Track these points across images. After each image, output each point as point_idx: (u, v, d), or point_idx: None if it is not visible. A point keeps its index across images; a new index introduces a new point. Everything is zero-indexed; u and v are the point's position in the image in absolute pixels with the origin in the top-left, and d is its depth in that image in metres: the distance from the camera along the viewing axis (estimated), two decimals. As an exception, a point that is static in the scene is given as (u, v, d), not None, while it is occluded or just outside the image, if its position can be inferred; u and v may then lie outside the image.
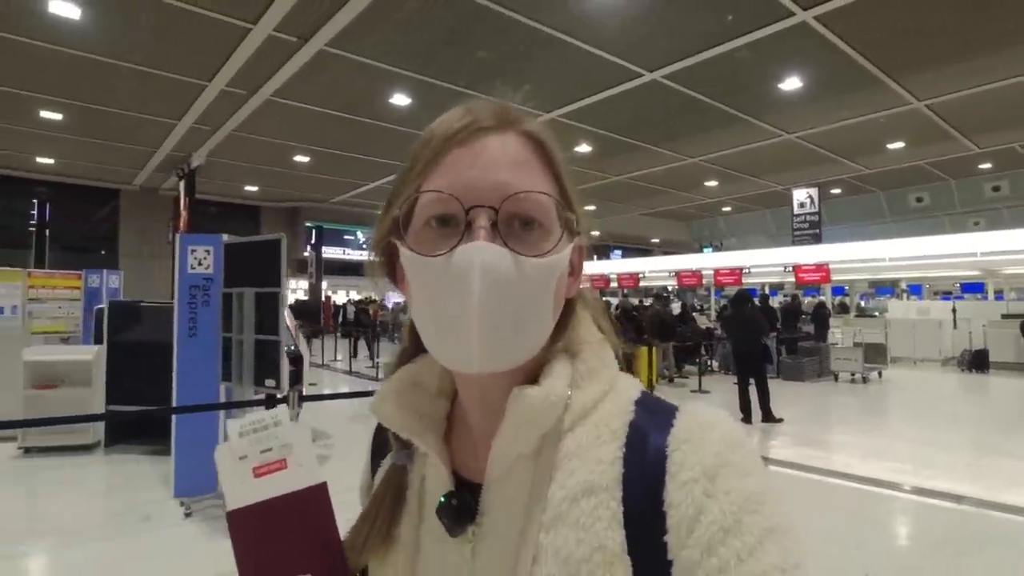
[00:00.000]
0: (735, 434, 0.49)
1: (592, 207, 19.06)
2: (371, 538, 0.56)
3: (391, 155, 12.42)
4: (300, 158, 13.34)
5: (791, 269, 14.79)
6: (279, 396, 3.72)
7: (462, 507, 0.52)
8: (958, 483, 4.90)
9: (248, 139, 11.57)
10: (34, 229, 13.23)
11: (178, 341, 4.17)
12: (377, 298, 18.32)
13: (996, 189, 16.12)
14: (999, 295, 15.69)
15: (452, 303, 0.46)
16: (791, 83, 8.74)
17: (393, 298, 17.52)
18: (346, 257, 21.70)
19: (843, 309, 18.05)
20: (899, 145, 12.14)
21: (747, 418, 7.18)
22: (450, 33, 7.15)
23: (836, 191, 17.49)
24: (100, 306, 5.84)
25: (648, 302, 14.85)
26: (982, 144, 12.17)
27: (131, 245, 16.75)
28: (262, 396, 3.92)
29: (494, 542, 0.50)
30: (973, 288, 17.50)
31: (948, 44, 7.46)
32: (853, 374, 10.48)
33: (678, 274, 17.73)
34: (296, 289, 20.70)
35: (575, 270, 0.55)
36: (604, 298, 16.11)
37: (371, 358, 13.04)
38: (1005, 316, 12.72)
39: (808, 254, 15.05)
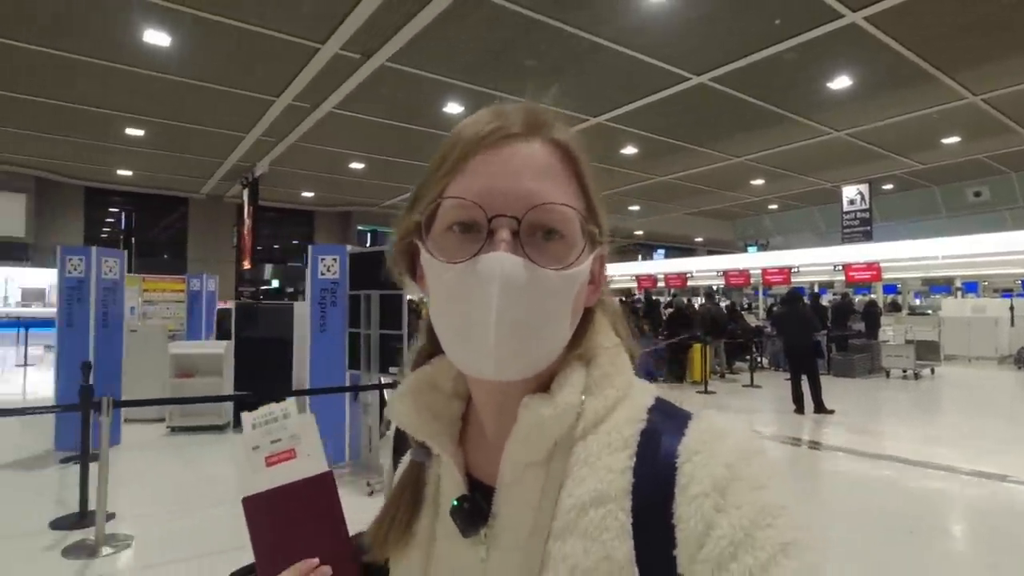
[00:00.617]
0: (748, 444, 0.48)
1: (636, 207, 19.17)
2: (392, 532, 0.57)
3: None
4: (355, 165, 13.98)
5: (841, 268, 14.59)
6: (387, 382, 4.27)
7: (474, 510, 0.52)
8: (1008, 468, 5.09)
9: (308, 148, 12.24)
10: (122, 236, 14.31)
11: (311, 335, 4.88)
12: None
13: (1062, 182, 15.44)
14: (1063, 292, 15.05)
15: (470, 311, 0.47)
16: (840, 82, 8.75)
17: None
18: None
19: (895, 307, 17.60)
20: (954, 140, 11.86)
21: (800, 409, 7.55)
22: (501, 45, 7.52)
23: (888, 187, 17.08)
24: (224, 307, 6.88)
25: (695, 301, 14.87)
26: (1045, 136, 11.78)
27: (198, 250, 17.82)
28: (390, 380, 4.59)
29: (505, 546, 0.51)
30: (1035, 285, 16.80)
31: (1003, 38, 7.38)
32: (905, 371, 10.44)
33: (726, 273, 17.65)
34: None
35: (595, 279, 0.55)
36: (653, 296, 16.23)
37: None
38: (1068, 314, 12.28)
39: (858, 253, 14.80)
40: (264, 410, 0.61)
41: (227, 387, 6.29)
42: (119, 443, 5.61)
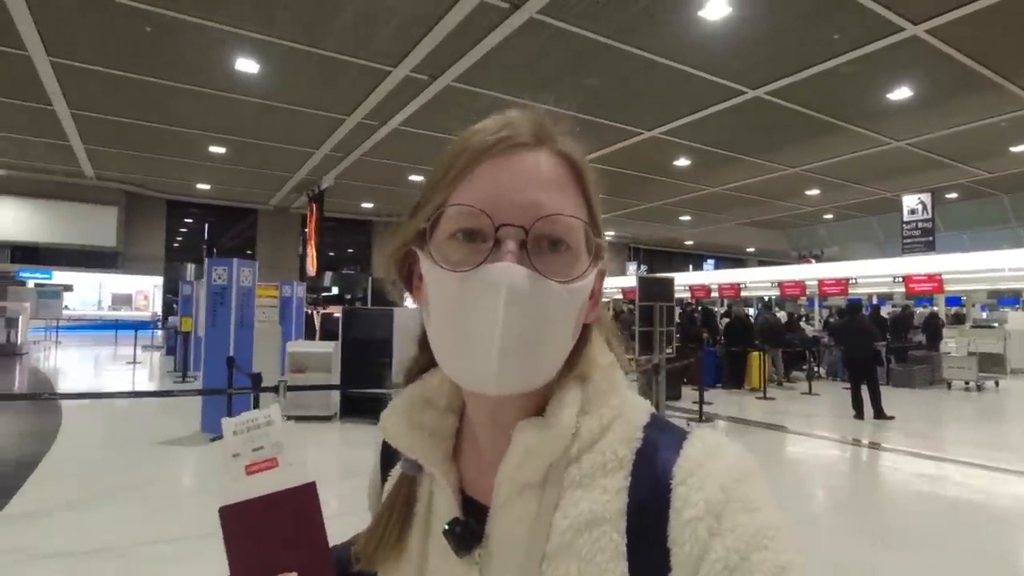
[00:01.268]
0: (743, 465, 0.47)
1: (687, 217, 19.17)
2: (381, 546, 0.56)
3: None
4: (415, 177, 14.62)
5: (900, 280, 14.27)
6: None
7: (467, 533, 0.51)
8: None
9: (372, 163, 12.92)
10: (204, 247, 15.46)
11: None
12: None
13: None
14: None
15: (474, 322, 0.46)
16: (900, 93, 8.72)
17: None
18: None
19: (958, 320, 16.98)
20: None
21: (859, 414, 7.86)
22: (563, 65, 7.90)
23: (952, 195, 16.54)
24: (327, 311, 7.84)
25: (747, 311, 14.85)
26: (1125, 143, 11.28)
27: (266, 258, 18.86)
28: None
29: (498, 567, 0.50)
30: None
31: (1075, 47, 7.26)
32: (967, 383, 10.26)
33: (781, 284, 17.46)
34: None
35: (595, 294, 0.54)
36: (699, 306, 16.22)
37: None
38: None
39: (918, 265, 14.43)
40: (246, 416, 0.59)
41: (335, 382, 7.16)
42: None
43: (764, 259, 27.82)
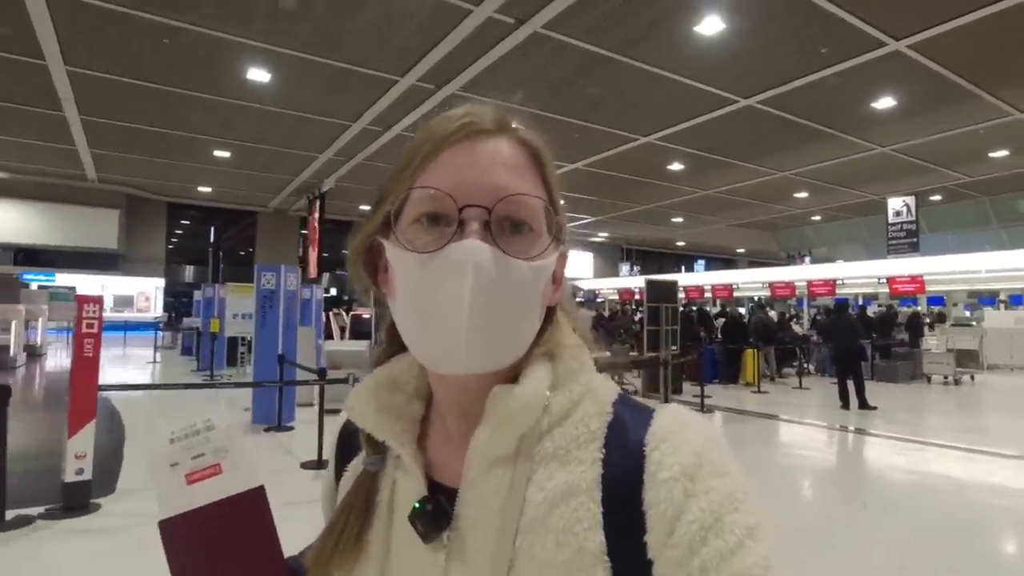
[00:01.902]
0: (711, 432, 0.49)
1: (679, 219, 19.59)
2: (339, 548, 0.54)
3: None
4: (413, 181, 14.89)
5: (885, 281, 14.82)
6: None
7: (437, 512, 0.50)
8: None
9: (373, 166, 13.18)
10: (210, 249, 15.67)
11: None
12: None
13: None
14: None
15: (442, 301, 0.46)
16: (884, 102, 9.14)
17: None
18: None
19: (941, 319, 17.57)
20: (1003, 153, 12.00)
21: (845, 405, 8.52)
22: (564, 76, 8.23)
23: (936, 198, 17.08)
24: (357, 312, 8.15)
25: (738, 310, 15.32)
26: (1097, 149, 11.81)
27: (265, 259, 19.09)
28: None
29: (470, 547, 0.49)
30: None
31: (1047, 61, 7.70)
32: (946, 377, 10.93)
33: (771, 285, 17.98)
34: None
35: (557, 277, 0.55)
36: (695, 307, 16.63)
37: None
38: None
39: (902, 267, 15.00)
40: (184, 424, 0.57)
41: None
42: (294, 418, 6.87)
43: (754, 259, 28.36)
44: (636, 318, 15.52)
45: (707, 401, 8.36)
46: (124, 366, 12.20)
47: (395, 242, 0.50)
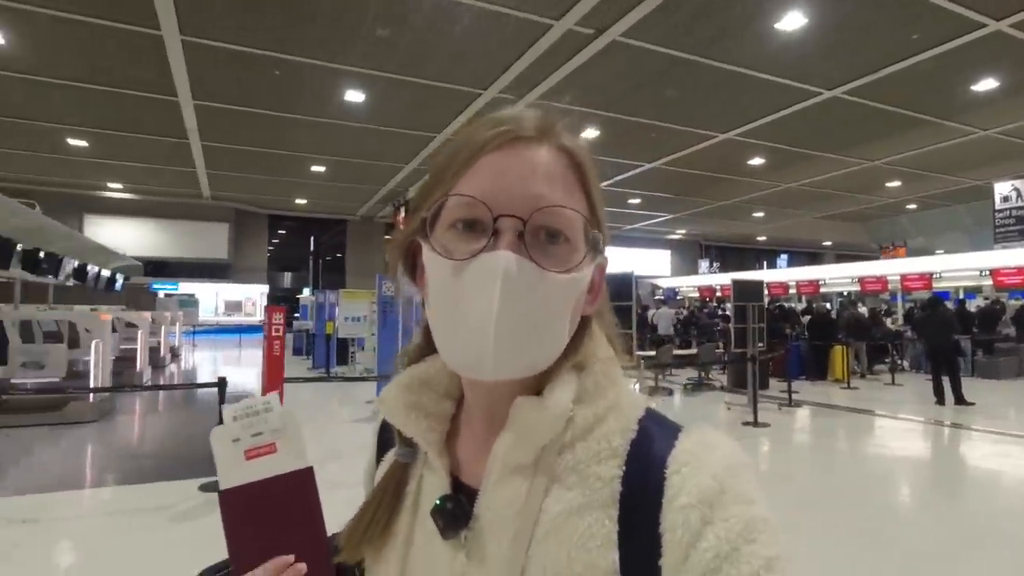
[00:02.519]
0: (736, 458, 0.48)
1: (760, 214, 19.07)
2: (369, 532, 0.56)
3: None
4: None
5: (988, 273, 13.83)
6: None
7: (457, 511, 0.51)
8: None
9: (454, 174, 13.85)
10: (310, 258, 17.06)
11: None
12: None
13: None
14: None
15: (471, 308, 0.47)
16: (985, 84, 8.65)
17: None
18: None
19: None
20: None
21: (940, 400, 8.35)
22: (642, 81, 8.42)
23: (1052, 181, 15.69)
24: None
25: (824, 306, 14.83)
26: None
27: (354, 264, 20.42)
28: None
29: (486, 549, 0.50)
30: None
31: None
32: None
33: (861, 280, 17.17)
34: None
35: (595, 287, 0.55)
36: (778, 303, 16.18)
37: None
38: None
39: (1006, 258, 13.90)
40: (245, 403, 0.60)
41: None
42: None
43: (842, 252, 26.96)
44: (718, 315, 15.35)
45: (794, 396, 8.29)
46: (254, 363, 13.54)
47: (430, 246, 0.50)
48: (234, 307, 19.37)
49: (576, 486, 0.49)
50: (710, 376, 10.46)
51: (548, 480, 0.50)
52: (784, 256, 28.86)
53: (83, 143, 11.55)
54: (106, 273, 11.91)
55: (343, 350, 12.30)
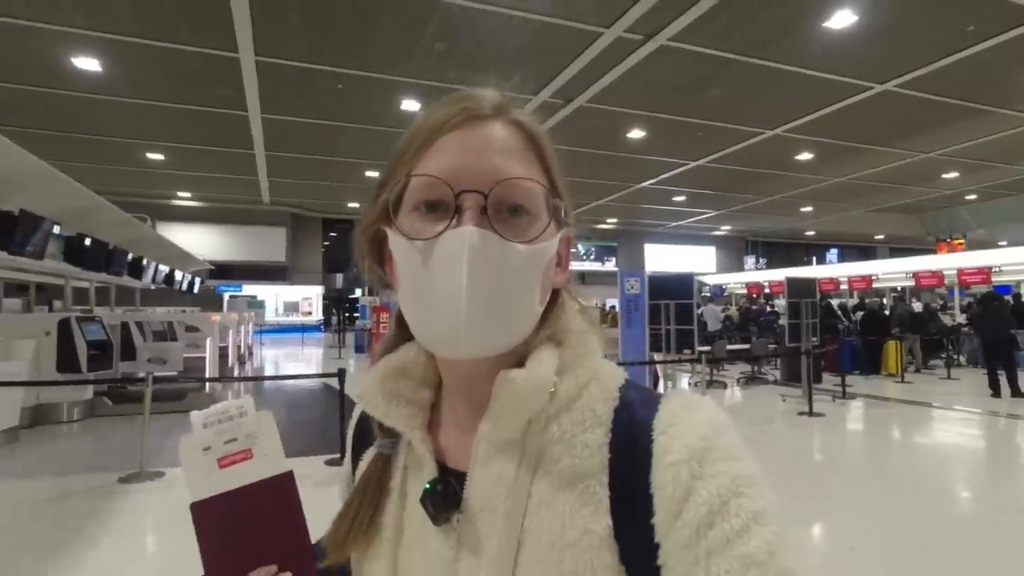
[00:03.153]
0: (720, 418, 0.49)
1: (808, 208, 18.76)
2: (354, 530, 0.55)
3: (624, 178, 14.32)
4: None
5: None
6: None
7: (447, 494, 0.51)
8: None
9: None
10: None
11: (621, 329, 7.41)
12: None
13: None
14: None
15: (439, 287, 0.47)
16: (1048, 72, 8.45)
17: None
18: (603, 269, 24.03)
19: None
20: None
21: (996, 393, 8.44)
22: (689, 82, 8.57)
23: (1125, 168, 14.93)
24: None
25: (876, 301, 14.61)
26: None
27: (402, 265, 21.16)
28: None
29: (479, 530, 0.50)
30: None
31: None
32: None
33: (916, 275, 16.76)
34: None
35: (563, 261, 0.55)
36: (826, 300, 15.94)
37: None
38: None
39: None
40: (217, 408, 0.57)
41: None
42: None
43: (895, 246, 26.14)
44: (767, 312, 15.25)
45: (848, 390, 8.39)
46: (331, 358, 14.38)
47: (395, 230, 0.50)
48: (291, 307, 20.34)
49: (564, 456, 0.49)
50: (762, 371, 10.61)
51: (536, 453, 0.50)
52: (834, 251, 28.17)
53: (160, 156, 12.45)
54: (188, 277, 12.81)
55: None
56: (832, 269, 20.98)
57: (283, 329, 19.53)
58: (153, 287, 10.74)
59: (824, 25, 6.96)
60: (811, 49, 7.55)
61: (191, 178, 14.74)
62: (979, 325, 9.54)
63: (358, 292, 20.43)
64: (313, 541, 0.58)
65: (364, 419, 0.64)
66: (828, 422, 6.90)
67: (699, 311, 15.78)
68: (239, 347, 11.56)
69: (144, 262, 8.49)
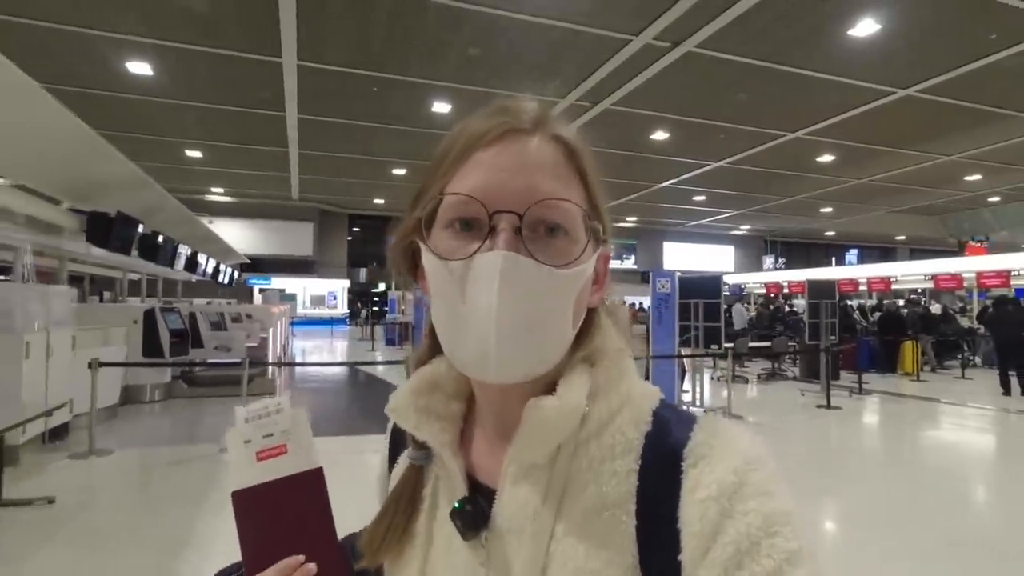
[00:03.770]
0: (755, 450, 0.47)
1: (828, 209, 18.80)
2: (388, 536, 0.56)
3: (646, 177, 14.56)
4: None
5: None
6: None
7: (476, 513, 0.51)
8: None
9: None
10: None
11: (651, 326, 7.72)
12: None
13: None
14: None
15: (471, 311, 0.46)
16: (1071, 78, 8.52)
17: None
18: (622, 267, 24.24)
19: None
20: None
21: (1007, 391, 8.93)
22: (715, 88, 8.79)
23: None
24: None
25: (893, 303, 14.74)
26: None
27: (426, 261, 21.65)
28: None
29: (506, 548, 0.50)
30: None
31: None
32: None
33: (935, 277, 16.80)
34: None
35: (599, 279, 0.54)
36: (842, 301, 16.03)
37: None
38: None
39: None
40: (258, 405, 0.60)
41: None
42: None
43: (916, 247, 26.00)
44: (785, 311, 15.42)
45: (864, 386, 8.88)
46: (363, 350, 14.91)
47: (427, 247, 0.49)
48: (318, 301, 20.92)
49: (591, 484, 0.48)
50: (782, 367, 10.94)
51: (564, 479, 0.49)
52: (854, 251, 28.06)
53: (198, 154, 12.96)
54: (228, 270, 13.32)
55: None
56: (851, 270, 21.01)
57: (311, 321, 20.15)
58: (195, 279, 11.27)
59: (848, 33, 7.14)
60: (835, 55, 7.73)
61: (226, 174, 15.26)
62: (992, 327, 9.99)
63: (381, 286, 20.87)
64: (347, 533, 0.62)
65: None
66: (844, 414, 7.37)
67: (726, 310, 16.09)
68: (282, 337, 12.05)
69: (199, 257, 8.97)
